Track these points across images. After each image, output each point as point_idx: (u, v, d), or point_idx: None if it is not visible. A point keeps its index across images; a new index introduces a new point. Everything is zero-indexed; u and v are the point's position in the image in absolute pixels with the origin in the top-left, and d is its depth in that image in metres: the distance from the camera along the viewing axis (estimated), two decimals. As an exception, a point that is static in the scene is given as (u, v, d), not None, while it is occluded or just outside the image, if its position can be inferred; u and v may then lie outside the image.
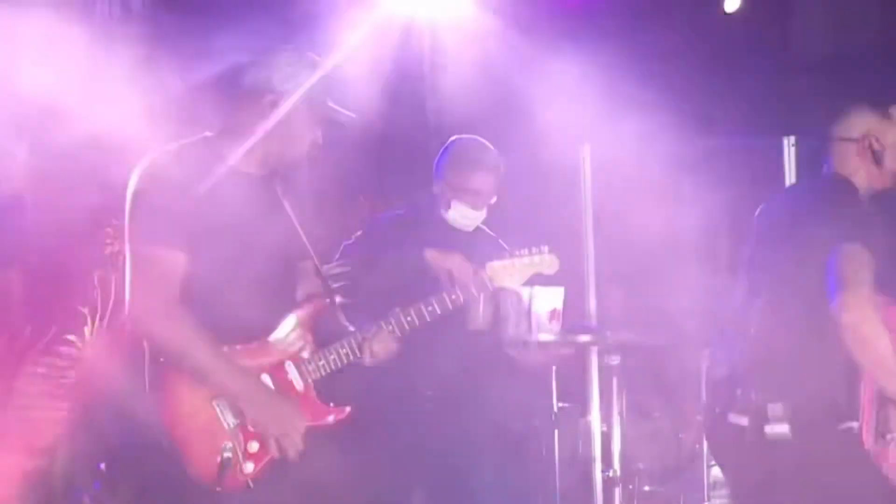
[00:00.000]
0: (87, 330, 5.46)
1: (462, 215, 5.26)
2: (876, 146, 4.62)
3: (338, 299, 5.01)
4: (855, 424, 4.38)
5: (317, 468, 4.18)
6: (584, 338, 5.75)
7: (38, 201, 5.99)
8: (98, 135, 6.07)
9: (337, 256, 5.28)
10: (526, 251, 4.63)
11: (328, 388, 4.27)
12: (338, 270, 6.90)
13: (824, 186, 4.70)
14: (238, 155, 4.18)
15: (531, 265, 4.63)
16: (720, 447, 4.74)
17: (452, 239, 5.22)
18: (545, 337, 5.23)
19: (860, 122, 4.67)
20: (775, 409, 4.39)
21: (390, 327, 4.36)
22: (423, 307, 4.40)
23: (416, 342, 5.03)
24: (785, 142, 7.29)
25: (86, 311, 5.58)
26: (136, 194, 4.07)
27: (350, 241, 5.33)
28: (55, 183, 5.93)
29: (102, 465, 5.25)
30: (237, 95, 4.19)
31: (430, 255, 4.85)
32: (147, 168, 4.10)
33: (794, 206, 4.68)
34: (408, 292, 4.61)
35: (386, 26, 6.76)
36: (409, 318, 4.38)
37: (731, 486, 4.91)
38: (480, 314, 4.91)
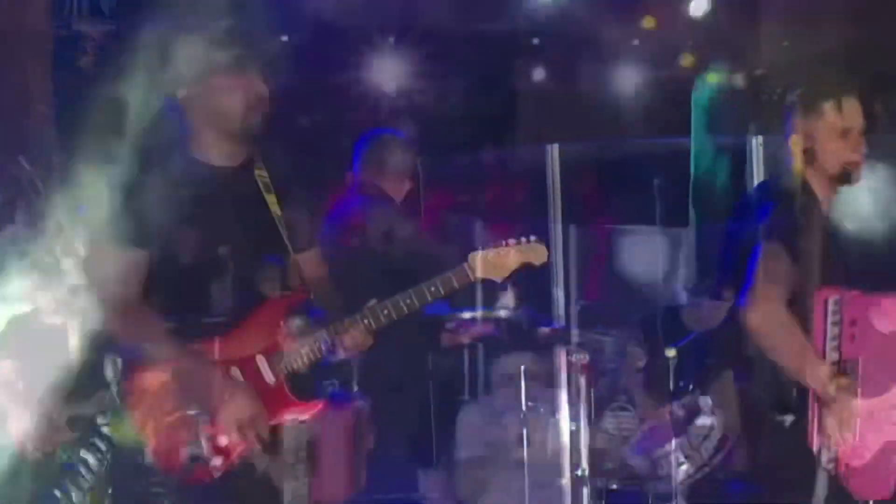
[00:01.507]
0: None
1: None
2: (804, 145, 4.41)
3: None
4: (791, 418, 4.36)
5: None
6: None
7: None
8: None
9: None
10: (513, 241, 4.19)
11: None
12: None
13: (771, 183, 4.58)
14: (207, 150, 4.19)
15: (518, 255, 4.19)
16: None
17: None
18: (468, 314, 5.18)
19: (790, 120, 4.48)
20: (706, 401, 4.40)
21: (366, 321, 4.12)
22: (400, 300, 4.10)
23: None
24: (753, 141, 7.34)
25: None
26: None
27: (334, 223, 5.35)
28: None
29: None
30: (181, 98, 4.18)
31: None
32: (117, 169, 4.13)
33: (750, 200, 4.59)
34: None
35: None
36: (385, 311, 4.10)
37: None
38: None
